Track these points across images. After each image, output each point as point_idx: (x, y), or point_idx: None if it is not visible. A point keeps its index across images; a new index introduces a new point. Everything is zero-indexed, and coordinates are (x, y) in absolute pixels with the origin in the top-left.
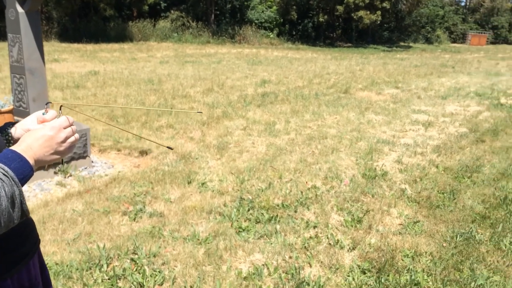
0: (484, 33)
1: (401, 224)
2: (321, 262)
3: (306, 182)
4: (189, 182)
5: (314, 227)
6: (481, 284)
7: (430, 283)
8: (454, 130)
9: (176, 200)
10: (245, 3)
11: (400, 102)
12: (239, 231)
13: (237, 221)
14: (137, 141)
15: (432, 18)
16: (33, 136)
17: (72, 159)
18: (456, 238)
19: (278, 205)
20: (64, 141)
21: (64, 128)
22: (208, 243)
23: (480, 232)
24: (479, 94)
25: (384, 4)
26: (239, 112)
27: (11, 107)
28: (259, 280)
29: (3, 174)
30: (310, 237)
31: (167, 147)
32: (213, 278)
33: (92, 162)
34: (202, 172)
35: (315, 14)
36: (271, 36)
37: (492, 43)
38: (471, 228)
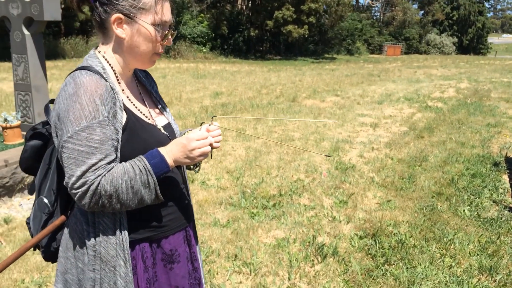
0: (398, 44)
1: (378, 203)
2: (328, 232)
3: (292, 176)
4: (191, 182)
5: (312, 208)
6: (451, 238)
7: (413, 241)
8: (397, 129)
9: None
10: (177, 18)
11: (344, 108)
12: (252, 216)
13: (247, 208)
14: None
15: (352, 31)
16: (175, 142)
17: None
18: (423, 210)
19: (275, 195)
20: (193, 150)
21: (197, 140)
22: (229, 227)
23: (439, 204)
24: (408, 98)
25: (310, 19)
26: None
27: (19, 122)
28: (286, 248)
29: (143, 167)
30: (312, 216)
31: (326, 155)
32: (249, 250)
33: None
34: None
35: (245, 28)
36: (204, 50)
37: (405, 53)
38: (432, 202)
